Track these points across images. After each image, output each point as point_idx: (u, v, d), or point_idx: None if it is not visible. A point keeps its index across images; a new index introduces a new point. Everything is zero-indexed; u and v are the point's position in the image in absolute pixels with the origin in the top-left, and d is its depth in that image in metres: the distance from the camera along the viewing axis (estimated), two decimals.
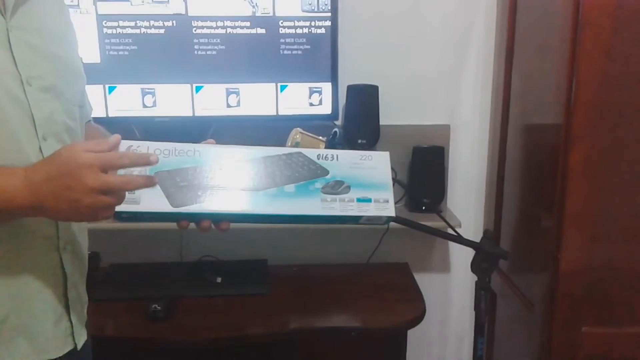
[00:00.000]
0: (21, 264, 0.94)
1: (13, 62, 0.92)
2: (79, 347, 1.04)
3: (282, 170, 1.06)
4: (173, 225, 1.02)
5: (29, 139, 0.93)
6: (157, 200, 0.96)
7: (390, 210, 1.06)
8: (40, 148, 0.94)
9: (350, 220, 1.06)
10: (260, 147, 1.09)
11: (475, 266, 1.36)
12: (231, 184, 1.02)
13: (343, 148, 1.74)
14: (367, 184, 1.07)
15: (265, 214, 1.02)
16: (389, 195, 1.07)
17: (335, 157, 1.09)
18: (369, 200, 1.06)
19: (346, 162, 1.09)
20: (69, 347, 1.02)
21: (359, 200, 1.05)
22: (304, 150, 1.10)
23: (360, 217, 1.05)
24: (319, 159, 1.09)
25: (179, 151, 1.02)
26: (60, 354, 1.00)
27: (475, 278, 1.37)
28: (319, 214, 1.03)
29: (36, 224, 0.94)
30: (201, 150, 1.04)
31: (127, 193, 0.92)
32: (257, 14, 1.69)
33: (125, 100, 1.71)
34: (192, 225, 1.02)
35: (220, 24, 1.68)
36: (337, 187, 1.06)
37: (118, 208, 0.93)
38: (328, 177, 1.07)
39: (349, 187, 1.06)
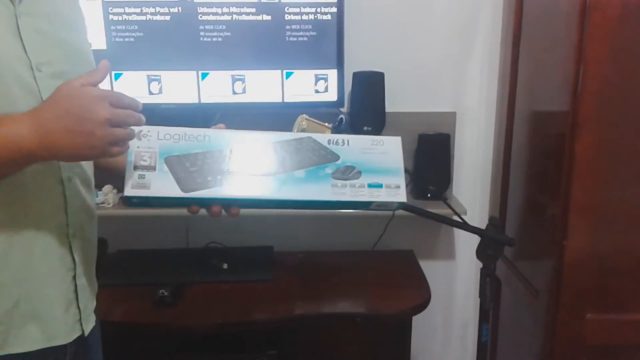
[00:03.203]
0: (31, 250, 0.95)
1: (23, 49, 0.92)
2: (86, 333, 1.05)
3: (292, 155, 1.05)
4: (179, 211, 1.03)
5: None
6: (168, 186, 0.97)
7: (401, 196, 1.05)
8: None
9: (360, 206, 1.06)
10: (271, 132, 1.08)
11: (480, 253, 1.36)
12: (241, 169, 1.02)
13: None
14: (378, 170, 1.06)
15: (275, 199, 1.01)
16: (401, 180, 1.07)
17: (346, 142, 1.08)
18: (380, 186, 1.05)
19: (357, 147, 1.08)
20: (77, 333, 1.03)
21: (369, 185, 1.05)
22: (315, 135, 1.09)
23: (371, 202, 1.05)
24: (329, 144, 1.08)
25: (189, 136, 1.02)
26: (70, 340, 1.01)
27: (480, 265, 1.37)
28: (330, 200, 1.03)
29: (47, 210, 0.95)
30: (211, 135, 1.03)
31: (137, 178, 0.95)
32: (262, 1, 1.68)
33: (131, 87, 1.71)
34: (203, 210, 1.02)
35: (225, 10, 1.68)
36: (348, 172, 1.05)
37: (128, 193, 0.95)
38: (339, 162, 1.06)
39: (359, 173, 1.05)
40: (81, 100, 0.83)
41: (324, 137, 1.09)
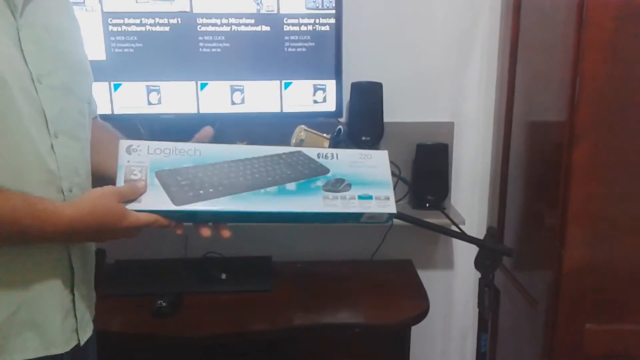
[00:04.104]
0: (31, 258, 0.95)
1: (23, 60, 0.93)
2: (82, 342, 1.05)
3: (283, 168, 1.06)
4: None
5: (41, 136, 0.94)
6: (159, 199, 0.97)
7: (391, 207, 1.06)
8: (52, 145, 0.96)
9: (352, 218, 1.06)
10: (261, 147, 1.10)
11: (478, 263, 1.37)
12: (232, 183, 1.02)
13: (347, 145, 1.75)
14: (368, 182, 1.07)
15: (267, 211, 1.02)
16: (390, 192, 1.08)
17: (335, 155, 1.10)
18: (370, 198, 1.06)
19: (346, 160, 1.09)
20: (74, 343, 1.03)
21: (360, 197, 1.05)
22: (304, 150, 1.11)
23: (362, 214, 1.05)
24: (319, 157, 1.09)
25: (180, 150, 1.03)
26: (67, 349, 1.01)
27: (478, 275, 1.38)
28: (321, 212, 1.03)
29: None
30: (202, 150, 1.04)
31: None
32: (261, 12, 1.69)
33: (131, 98, 1.72)
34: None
35: (224, 21, 1.69)
36: (338, 185, 1.06)
37: None
38: (329, 175, 1.07)
39: (349, 185, 1.06)
40: (124, 224, 0.96)
41: (314, 151, 1.10)
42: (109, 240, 0.98)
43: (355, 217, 1.06)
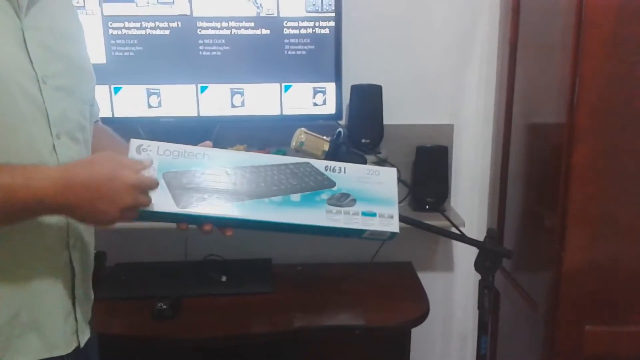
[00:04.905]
0: (32, 260, 0.96)
1: (29, 61, 0.93)
2: (82, 344, 1.05)
3: (289, 179, 1.06)
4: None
5: (43, 137, 0.95)
6: (164, 200, 0.97)
7: (394, 226, 1.07)
8: (54, 146, 0.96)
9: (353, 234, 1.07)
10: (269, 156, 1.11)
11: (478, 265, 1.36)
12: (237, 190, 1.02)
13: (347, 148, 1.75)
14: (373, 199, 1.07)
15: (269, 221, 1.02)
16: (394, 211, 1.08)
17: (342, 169, 1.10)
18: (374, 215, 1.06)
19: (353, 175, 1.09)
20: (74, 344, 1.04)
21: (363, 214, 1.06)
22: (312, 161, 1.11)
23: (364, 230, 1.06)
24: (326, 170, 1.09)
25: (188, 153, 1.03)
26: (69, 350, 1.02)
27: (478, 277, 1.38)
28: (323, 225, 1.04)
29: (48, 221, 0.96)
30: (210, 154, 1.04)
31: None
32: (261, 15, 1.70)
33: (131, 101, 1.72)
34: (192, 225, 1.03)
35: (224, 24, 1.69)
36: (343, 199, 1.06)
37: None
38: (334, 189, 1.07)
39: (354, 201, 1.06)
40: (116, 184, 0.88)
41: (321, 164, 1.10)
42: (108, 207, 0.89)
43: (357, 233, 1.06)
